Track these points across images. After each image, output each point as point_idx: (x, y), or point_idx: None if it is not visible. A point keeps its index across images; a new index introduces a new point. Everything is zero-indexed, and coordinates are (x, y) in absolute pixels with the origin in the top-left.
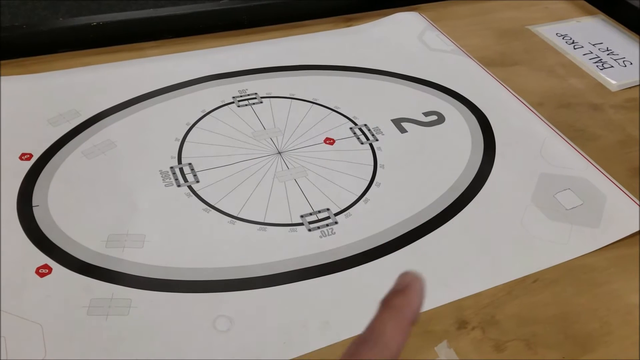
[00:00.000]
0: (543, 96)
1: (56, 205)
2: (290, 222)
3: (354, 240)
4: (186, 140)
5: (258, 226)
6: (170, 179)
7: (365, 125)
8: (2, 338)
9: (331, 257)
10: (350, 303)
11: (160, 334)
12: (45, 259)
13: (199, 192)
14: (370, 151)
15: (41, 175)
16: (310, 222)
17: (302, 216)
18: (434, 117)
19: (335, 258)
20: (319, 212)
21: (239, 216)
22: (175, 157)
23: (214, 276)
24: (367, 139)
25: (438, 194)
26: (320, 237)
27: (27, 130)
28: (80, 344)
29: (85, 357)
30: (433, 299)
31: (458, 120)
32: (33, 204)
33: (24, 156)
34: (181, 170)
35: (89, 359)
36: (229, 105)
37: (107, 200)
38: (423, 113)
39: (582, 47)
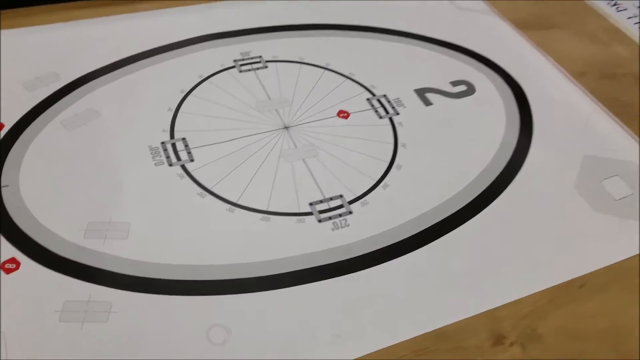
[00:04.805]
0: (584, 65)
1: (28, 186)
2: (297, 211)
3: (370, 234)
4: (180, 110)
5: (261, 215)
6: (160, 156)
7: (385, 96)
8: None
9: (344, 254)
10: (366, 311)
11: (144, 345)
12: (12, 251)
13: (193, 173)
14: (390, 127)
15: (13, 149)
16: (320, 212)
17: (311, 204)
18: (463, 88)
19: (349, 255)
20: (331, 199)
21: (238, 203)
22: (167, 131)
23: (208, 275)
24: (387, 112)
25: (467, 179)
26: (332, 229)
27: None
28: (49, 357)
29: None
30: (463, 308)
31: (490, 92)
32: (1, 184)
33: None
34: (174, 146)
35: None
36: (230, 70)
37: (87, 180)
38: (450, 82)
39: (626, 9)
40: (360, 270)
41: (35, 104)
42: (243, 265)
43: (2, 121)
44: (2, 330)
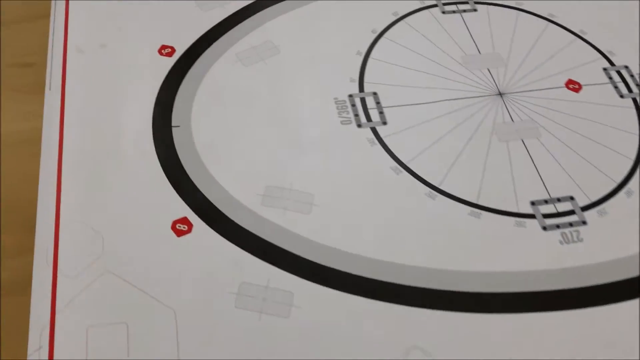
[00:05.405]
0: None
1: (201, 129)
2: (516, 211)
3: (610, 257)
4: (370, 56)
5: (469, 209)
6: (348, 113)
7: (627, 67)
8: (124, 325)
9: (576, 279)
10: None
11: (330, 356)
12: (184, 209)
13: (385, 140)
14: (634, 111)
15: (185, 80)
16: (545, 216)
17: (533, 203)
18: None
19: (582, 283)
20: (559, 200)
21: (441, 188)
22: (355, 81)
23: (407, 279)
24: (629, 90)
25: None
26: (561, 242)
27: (170, 12)
28: (222, 348)
29: None
30: None
31: None
32: (173, 124)
33: (165, 50)
34: (363, 102)
35: None
36: (431, 10)
37: (265, 132)
38: None
39: None
40: (596, 305)
41: (209, 28)
42: (449, 273)
43: (172, 45)
44: (173, 307)
